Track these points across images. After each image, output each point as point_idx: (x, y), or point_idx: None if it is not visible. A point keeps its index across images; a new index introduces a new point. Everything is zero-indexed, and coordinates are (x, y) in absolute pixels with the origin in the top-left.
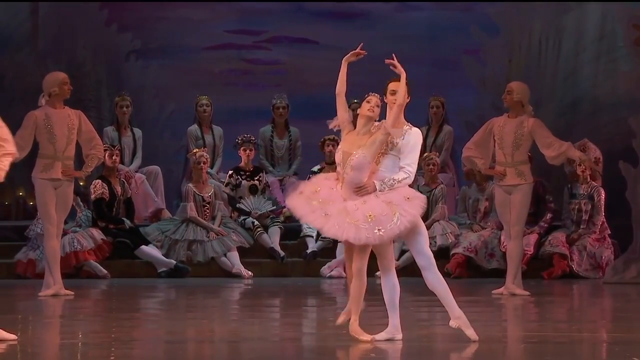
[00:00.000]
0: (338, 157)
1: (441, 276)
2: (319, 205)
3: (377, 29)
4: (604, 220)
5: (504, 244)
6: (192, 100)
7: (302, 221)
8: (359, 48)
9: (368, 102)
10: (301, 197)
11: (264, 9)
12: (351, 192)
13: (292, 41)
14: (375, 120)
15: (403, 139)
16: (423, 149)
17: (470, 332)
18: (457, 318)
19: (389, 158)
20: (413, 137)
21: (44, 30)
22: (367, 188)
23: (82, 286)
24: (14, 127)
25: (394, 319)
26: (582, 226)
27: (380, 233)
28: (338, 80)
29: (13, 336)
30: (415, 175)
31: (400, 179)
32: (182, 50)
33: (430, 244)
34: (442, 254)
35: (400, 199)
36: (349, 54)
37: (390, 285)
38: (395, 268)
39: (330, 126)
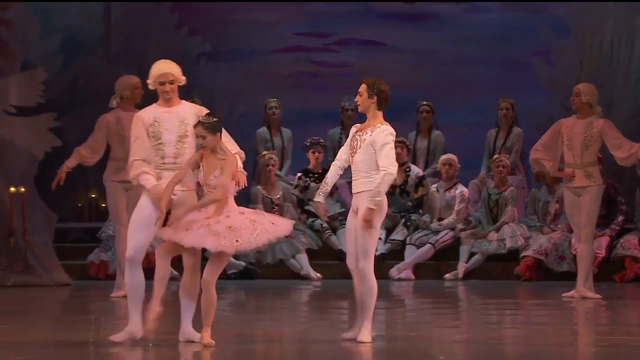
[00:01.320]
0: (200, 177)
1: (373, 286)
2: (184, 224)
3: (446, 30)
4: None
5: (575, 247)
6: (261, 103)
7: (166, 239)
8: None
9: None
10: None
11: (332, 11)
12: (216, 210)
13: (360, 43)
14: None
15: (370, 135)
16: (492, 151)
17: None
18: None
19: (360, 154)
20: (378, 136)
21: (116, 33)
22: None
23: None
24: (85, 130)
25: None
26: None
27: (238, 243)
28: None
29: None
30: (485, 177)
31: (380, 182)
32: (251, 53)
33: (500, 246)
34: (511, 257)
35: (266, 222)
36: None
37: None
38: (464, 270)
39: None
